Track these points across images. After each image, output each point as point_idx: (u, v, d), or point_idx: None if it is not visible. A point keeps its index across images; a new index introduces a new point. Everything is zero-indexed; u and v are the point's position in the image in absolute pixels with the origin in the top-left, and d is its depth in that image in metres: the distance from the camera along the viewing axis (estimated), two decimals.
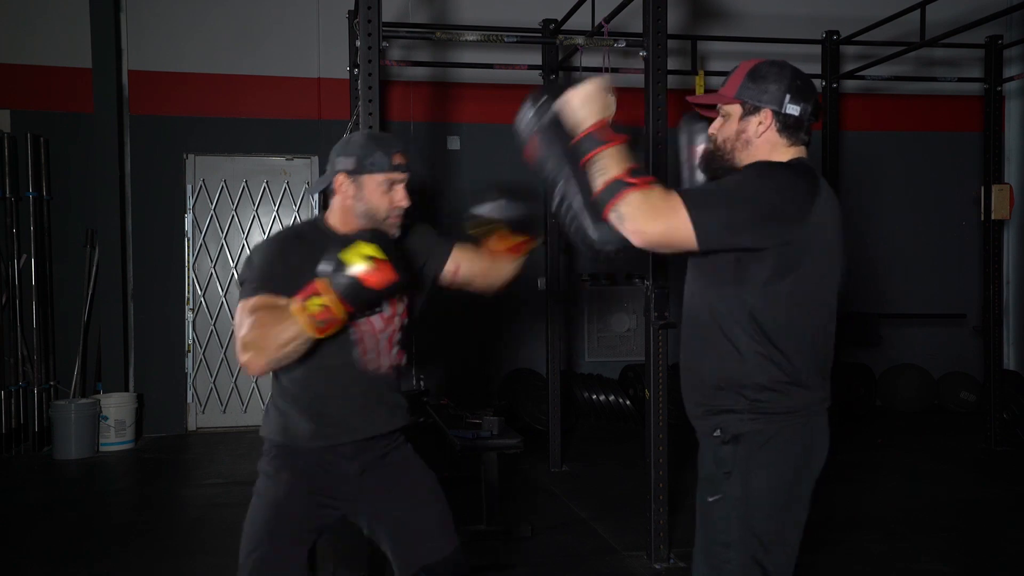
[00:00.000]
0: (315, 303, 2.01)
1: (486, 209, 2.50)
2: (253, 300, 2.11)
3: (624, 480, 5.31)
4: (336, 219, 2.29)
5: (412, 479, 2.35)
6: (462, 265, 2.48)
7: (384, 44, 3.68)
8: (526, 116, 2.04)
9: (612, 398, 6.93)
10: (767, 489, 1.95)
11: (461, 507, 2.58)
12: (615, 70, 5.05)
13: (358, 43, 3.64)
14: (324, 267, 2.03)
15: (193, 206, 7.00)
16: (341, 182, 2.24)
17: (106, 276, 6.60)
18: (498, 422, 4.35)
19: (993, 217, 6.15)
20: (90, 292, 6.67)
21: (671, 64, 4.03)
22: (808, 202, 1.90)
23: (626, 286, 7.32)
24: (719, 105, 2.06)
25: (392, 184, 2.23)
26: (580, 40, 4.87)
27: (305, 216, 7.15)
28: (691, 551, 4.05)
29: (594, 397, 6.93)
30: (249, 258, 2.25)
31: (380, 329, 2.26)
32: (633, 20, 4.53)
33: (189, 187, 6.98)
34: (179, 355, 6.93)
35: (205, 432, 6.92)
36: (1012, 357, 7.89)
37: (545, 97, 2.03)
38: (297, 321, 2.03)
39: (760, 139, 2.00)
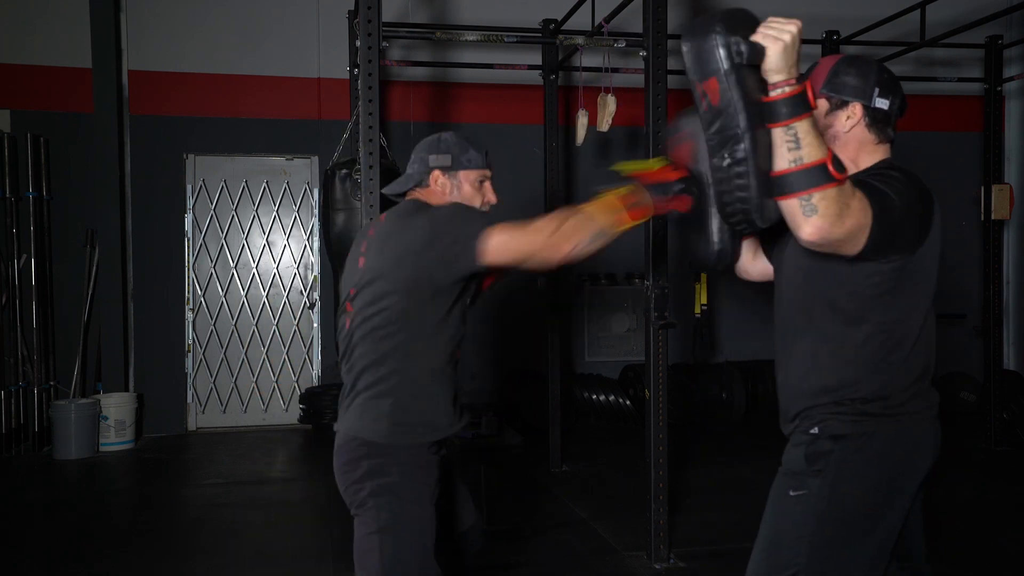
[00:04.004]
0: (624, 187, 2.09)
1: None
2: (507, 222, 2.15)
3: (624, 480, 5.31)
4: None
5: (453, 454, 2.51)
6: None
7: (384, 44, 3.67)
8: (712, 50, 1.66)
9: (612, 398, 6.93)
10: (856, 494, 1.89)
11: None
12: (615, 70, 5.05)
13: (358, 43, 3.64)
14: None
15: (193, 206, 7.00)
16: (437, 178, 2.36)
17: (106, 276, 6.60)
18: (498, 422, 4.36)
19: (993, 217, 6.15)
20: (90, 292, 6.67)
21: (671, 64, 4.03)
22: (932, 211, 1.88)
23: (626, 286, 7.32)
24: None
25: (484, 180, 2.39)
26: (580, 40, 4.87)
27: (305, 216, 7.16)
28: (691, 551, 4.07)
29: (594, 397, 6.93)
30: (457, 214, 2.22)
31: None
32: (633, 20, 4.53)
33: (189, 187, 6.98)
34: (179, 355, 6.93)
35: (205, 432, 6.91)
36: (1012, 357, 7.89)
37: (736, 34, 1.66)
38: (610, 206, 2.07)
39: (848, 135, 1.95)
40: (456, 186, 2.36)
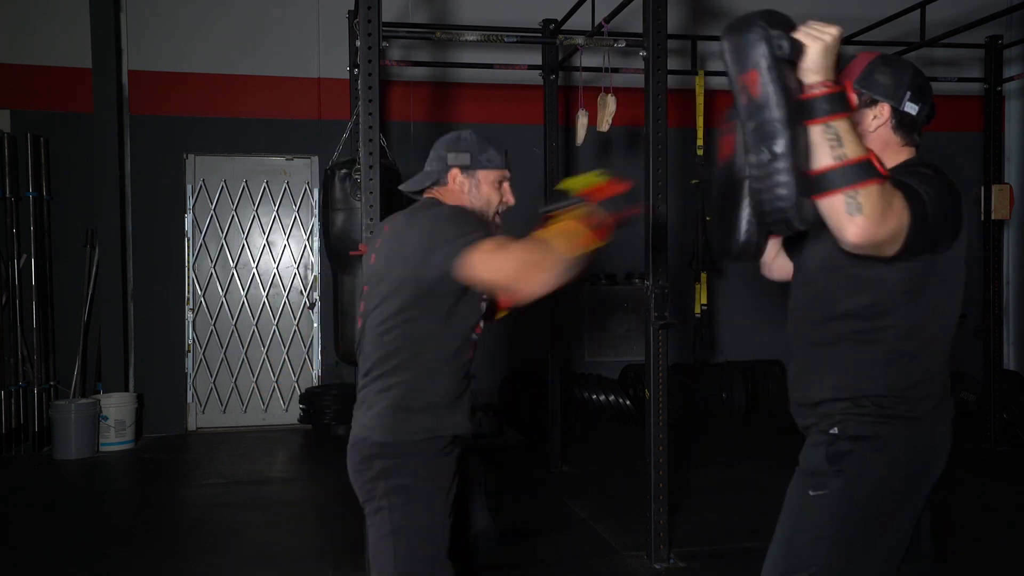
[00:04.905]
0: (577, 211, 2.11)
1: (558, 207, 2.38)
2: (498, 239, 2.10)
3: (624, 480, 5.31)
4: None
5: (473, 459, 2.50)
6: None
7: (384, 44, 3.67)
8: (754, 44, 1.65)
9: (612, 398, 6.93)
10: (875, 495, 1.90)
11: None
12: (615, 70, 5.05)
13: (358, 43, 3.64)
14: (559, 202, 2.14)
15: (193, 206, 7.00)
16: (455, 176, 2.34)
17: (106, 276, 6.60)
18: (498, 422, 4.36)
19: (993, 217, 6.15)
20: (90, 292, 6.67)
21: (671, 64, 4.04)
22: (963, 210, 1.86)
23: (626, 286, 7.32)
24: None
25: (503, 181, 2.37)
26: (580, 40, 4.87)
27: (305, 216, 7.16)
28: (691, 551, 4.07)
29: (594, 397, 6.93)
30: (453, 218, 2.19)
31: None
32: (633, 20, 4.53)
33: (189, 187, 6.98)
34: (179, 355, 6.93)
35: (205, 432, 6.91)
36: (1012, 357, 7.89)
37: (778, 29, 1.66)
38: (572, 229, 2.09)
39: (874, 134, 1.94)
40: (474, 185, 2.33)
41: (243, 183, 7.09)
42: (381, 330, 2.24)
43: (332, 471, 5.52)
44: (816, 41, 1.66)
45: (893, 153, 1.96)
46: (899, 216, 1.66)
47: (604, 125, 4.86)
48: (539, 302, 5.65)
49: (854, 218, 1.60)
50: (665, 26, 3.93)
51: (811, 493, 1.95)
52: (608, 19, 4.90)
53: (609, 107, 4.81)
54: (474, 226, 2.17)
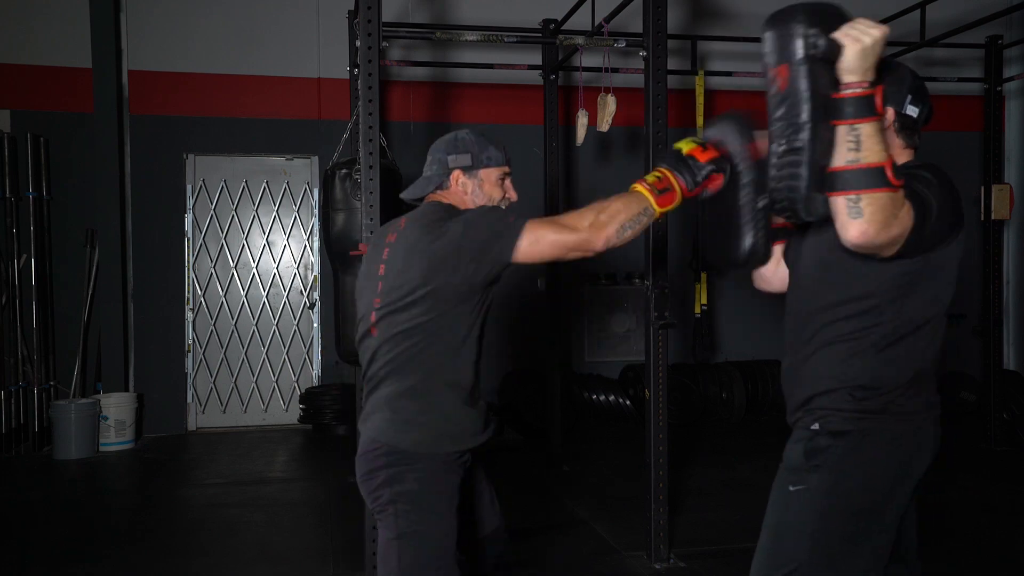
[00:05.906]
0: (652, 175, 2.08)
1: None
2: (544, 217, 2.14)
3: (624, 480, 5.31)
4: None
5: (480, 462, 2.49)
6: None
7: (384, 44, 3.67)
8: (789, 39, 1.68)
9: (612, 398, 6.93)
10: (856, 490, 1.90)
11: None
12: (615, 70, 5.05)
13: (358, 43, 3.64)
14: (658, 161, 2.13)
15: (193, 206, 7.00)
16: (458, 178, 2.32)
17: (106, 276, 6.60)
18: (498, 422, 4.35)
19: (993, 217, 6.15)
20: (90, 292, 6.67)
21: (671, 64, 4.04)
22: (962, 210, 1.88)
23: (626, 286, 7.32)
24: None
25: (504, 177, 2.36)
26: (580, 40, 4.87)
27: (305, 216, 7.16)
28: (691, 551, 4.08)
29: (594, 397, 6.93)
30: (487, 214, 2.18)
31: None
32: (633, 20, 4.53)
33: (189, 187, 6.98)
34: (179, 355, 6.93)
35: (205, 432, 6.91)
36: (1012, 357, 7.89)
37: (817, 28, 1.66)
38: (640, 195, 2.08)
39: None
40: (477, 185, 2.31)
41: (243, 183, 7.09)
42: (409, 343, 2.19)
43: (332, 471, 5.53)
44: (854, 43, 1.65)
45: (896, 157, 1.96)
46: (903, 225, 1.70)
47: (604, 125, 4.86)
48: (539, 302, 5.66)
49: (854, 221, 1.65)
50: (665, 26, 3.93)
51: (791, 489, 1.97)
52: (608, 19, 4.90)
53: (609, 107, 4.81)
54: (511, 213, 2.19)
